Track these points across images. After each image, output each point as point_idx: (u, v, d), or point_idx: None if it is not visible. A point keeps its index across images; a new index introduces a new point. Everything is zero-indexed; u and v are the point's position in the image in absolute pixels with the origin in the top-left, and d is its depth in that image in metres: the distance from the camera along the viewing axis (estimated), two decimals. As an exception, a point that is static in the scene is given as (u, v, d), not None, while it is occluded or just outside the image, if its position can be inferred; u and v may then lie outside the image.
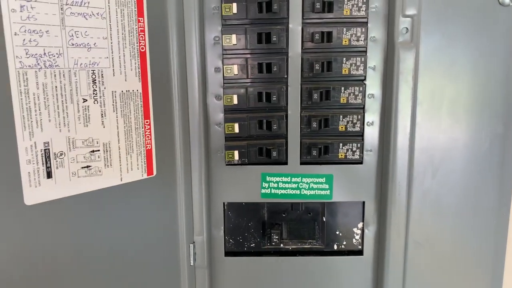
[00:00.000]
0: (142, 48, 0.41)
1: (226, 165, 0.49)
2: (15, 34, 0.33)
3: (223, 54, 0.47)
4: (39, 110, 0.35)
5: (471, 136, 0.47)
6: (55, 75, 0.35)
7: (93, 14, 0.37)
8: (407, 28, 0.45)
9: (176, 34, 0.44)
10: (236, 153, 0.48)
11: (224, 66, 0.47)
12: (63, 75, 0.36)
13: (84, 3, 0.37)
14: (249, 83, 0.48)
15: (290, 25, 0.46)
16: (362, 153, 0.49)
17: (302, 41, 0.47)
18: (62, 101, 0.36)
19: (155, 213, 0.45)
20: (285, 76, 0.47)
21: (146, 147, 0.43)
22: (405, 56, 0.45)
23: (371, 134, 0.49)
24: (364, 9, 0.46)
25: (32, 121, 0.34)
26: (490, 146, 0.47)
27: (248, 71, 0.47)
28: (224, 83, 0.48)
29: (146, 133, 0.43)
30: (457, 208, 0.49)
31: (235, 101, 0.47)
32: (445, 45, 0.45)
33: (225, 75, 0.47)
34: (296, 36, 0.47)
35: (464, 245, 0.50)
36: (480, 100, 0.46)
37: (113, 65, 0.39)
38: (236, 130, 0.48)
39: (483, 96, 0.46)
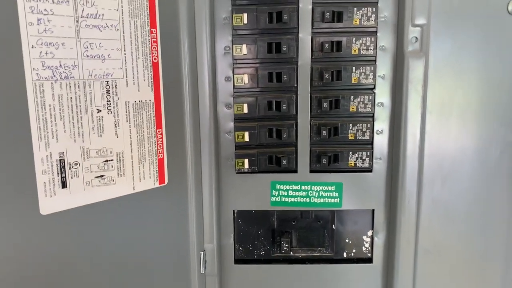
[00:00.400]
0: (155, 59, 0.42)
1: (236, 173, 0.49)
2: (32, 47, 0.33)
3: (233, 64, 0.48)
4: (55, 121, 0.35)
5: (481, 144, 0.47)
6: (70, 86, 0.36)
7: (107, 26, 0.38)
8: (416, 38, 0.45)
9: (187, 44, 0.45)
10: (246, 161, 0.49)
11: (235, 76, 0.48)
12: (78, 86, 0.36)
13: (99, 15, 0.37)
14: (259, 92, 0.48)
15: (300, 35, 0.47)
16: (372, 161, 0.49)
17: (312, 51, 0.47)
18: (77, 112, 0.37)
19: (166, 221, 0.46)
20: (295, 85, 0.48)
21: (158, 156, 0.43)
22: (414, 65, 0.46)
23: (381, 142, 0.49)
24: (373, 19, 0.46)
25: (48, 132, 0.35)
26: (501, 153, 0.48)
27: (258, 80, 0.47)
28: (234, 92, 0.48)
29: (158, 142, 0.43)
30: (467, 215, 0.49)
31: (245, 110, 0.48)
32: (454, 54, 0.46)
33: (235, 84, 0.48)
34: (306, 45, 0.47)
35: (474, 252, 0.50)
36: (490, 108, 0.47)
37: (126, 76, 0.40)
38: (246, 138, 0.48)
39: (493, 104, 0.47)
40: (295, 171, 0.49)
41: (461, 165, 0.48)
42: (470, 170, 0.48)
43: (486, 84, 0.46)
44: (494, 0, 0.45)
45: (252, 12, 0.46)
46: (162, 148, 0.44)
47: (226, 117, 0.49)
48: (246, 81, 0.47)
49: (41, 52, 0.34)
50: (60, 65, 0.35)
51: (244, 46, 0.47)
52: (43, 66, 0.34)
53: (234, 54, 0.47)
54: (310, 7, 0.46)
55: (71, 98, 0.36)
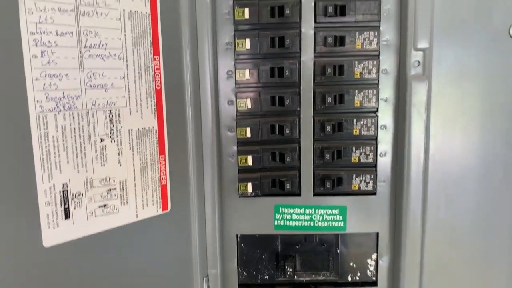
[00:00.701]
0: (158, 86, 0.42)
1: (240, 197, 0.49)
2: (35, 79, 0.33)
3: (236, 88, 0.48)
4: (58, 152, 0.35)
5: (485, 166, 0.47)
6: (73, 117, 0.36)
7: (111, 55, 0.38)
8: (419, 61, 0.46)
9: (190, 70, 0.45)
10: (249, 185, 0.48)
11: (237, 100, 0.47)
12: (81, 116, 0.36)
13: (102, 45, 0.37)
14: (261, 116, 0.48)
15: (302, 58, 0.47)
16: (376, 184, 0.49)
17: (314, 74, 0.47)
18: (80, 142, 0.36)
19: (169, 247, 0.45)
20: (298, 109, 0.48)
21: (161, 182, 0.43)
22: (417, 89, 0.46)
23: (384, 165, 0.49)
24: (375, 43, 0.46)
25: (51, 164, 0.35)
26: (504, 176, 0.47)
27: (261, 104, 0.47)
28: (237, 116, 0.48)
29: (161, 169, 0.43)
30: (472, 237, 0.49)
31: (248, 134, 0.48)
32: (457, 78, 0.46)
33: (238, 108, 0.48)
34: (308, 69, 0.47)
35: (480, 275, 0.49)
36: (493, 131, 0.47)
37: (129, 104, 0.40)
38: (250, 162, 0.48)
39: (495, 126, 0.47)
40: (299, 195, 0.49)
41: (465, 187, 0.48)
42: (474, 191, 0.48)
43: (489, 108, 0.46)
44: (496, 24, 0.45)
45: (255, 37, 0.46)
46: (165, 174, 0.43)
47: (229, 141, 0.49)
48: (249, 106, 0.47)
49: (44, 84, 0.34)
50: (64, 96, 0.35)
51: (247, 71, 0.47)
52: (46, 98, 0.34)
53: (237, 79, 0.47)
54: (312, 31, 0.46)
55: (74, 128, 0.36)
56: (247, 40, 0.46)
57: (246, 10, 0.45)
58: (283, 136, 0.48)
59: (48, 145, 0.34)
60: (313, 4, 0.46)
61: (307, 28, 0.46)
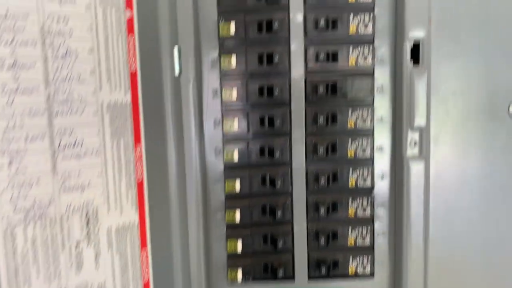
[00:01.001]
0: (139, 178, 0.39)
1: (229, 286, 0.46)
2: (2, 192, 0.31)
3: (225, 170, 0.45)
4: (27, 267, 0.32)
5: (488, 246, 0.45)
6: (45, 226, 0.33)
7: (87, 153, 0.35)
8: (415, 141, 0.43)
9: (175, 156, 0.42)
10: (239, 271, 0.46)
11: (226, 181, 0.45)
12: (54, 223, 0.33)
13: (77, 144, 0.35)
14: (252, 198, 0.45)
15: (293, 136, 0.45)
16: (373, 266, 0.46)
17: (306, 154, 0.45)
18: (53, 252, 0.33)
19: None
20: (290, 190, 0.45)
21: (143, 279, 0.40)
22: (414, 170, 0.43)
23: (382, 246, 0.46)
24: (369, 120, 0.45)
25: (19, 282, 0.32)
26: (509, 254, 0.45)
27: (252, 185, 0.45)
28: (226, 200, 0.45)
29: (143, 265, 0.40)
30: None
31: (237, 219, 0.45)
32: (456, 159, 0.44)
33: (226, 190, 0.45)
34: (300, 147, 0.45)
35: None
36: (495, 213, 0.44)
37: (108, 201, 0.37)
38: (239, 247, 0.45)
39: (497, 208, 0.44)
40: (292, 278, 0.46)
41: (469, 273, 0.45)
42: (479, 275, 0.45)
43: (490, 190, 0.44)
44: (494, 101, 0.43)
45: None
46: (147, 271, 0.40)
47: (217, 224, 0.46)
48: (238, 190, 0.45)
49: (12, 195, 0.31)
50: (34, 205, 0.32)
51: (236, 150, 0.45)
52: (14, 209, 0.31)
53: (225, 160, 0.45)
54: (304, 111, 0.44)
55: (46, 238, 0.33)
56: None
57: (235, 91, 0.44)
58: (275, 219, 0.45)
59: (15, 262, 0.31)
60: (303, 83, 0.44)
61: (298, 104, 0.44)
